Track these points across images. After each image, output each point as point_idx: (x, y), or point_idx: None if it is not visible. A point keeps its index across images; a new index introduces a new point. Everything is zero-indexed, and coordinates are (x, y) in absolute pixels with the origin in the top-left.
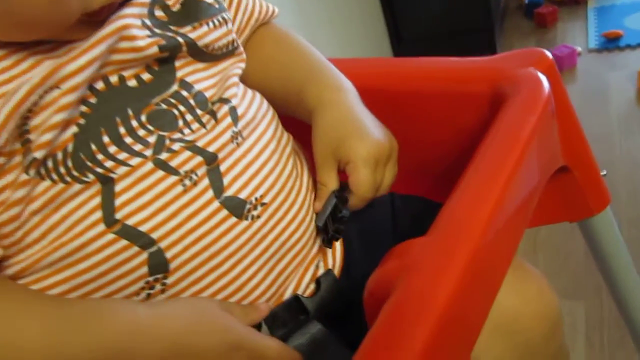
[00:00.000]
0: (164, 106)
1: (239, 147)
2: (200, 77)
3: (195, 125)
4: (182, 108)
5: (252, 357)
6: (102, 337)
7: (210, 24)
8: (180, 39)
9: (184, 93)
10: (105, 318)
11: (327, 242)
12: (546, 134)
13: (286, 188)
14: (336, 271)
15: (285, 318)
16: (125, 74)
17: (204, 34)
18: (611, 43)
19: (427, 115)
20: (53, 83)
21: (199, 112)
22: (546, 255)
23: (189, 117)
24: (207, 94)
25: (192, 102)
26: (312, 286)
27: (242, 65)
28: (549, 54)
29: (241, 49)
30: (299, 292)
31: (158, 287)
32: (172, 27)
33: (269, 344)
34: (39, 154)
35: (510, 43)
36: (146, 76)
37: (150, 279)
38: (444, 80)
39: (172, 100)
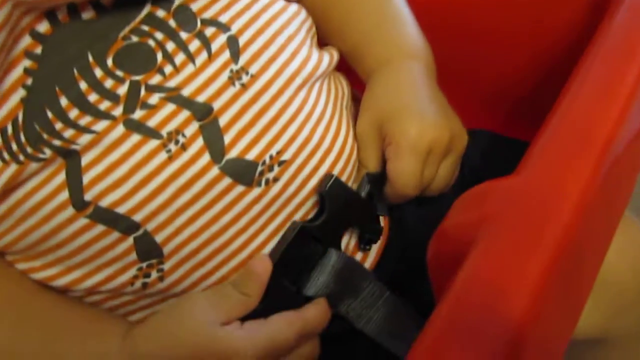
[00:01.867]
0: (134, 39)
1: (246, 91)
2: None
3: (179, 58)
4: (158, 35)
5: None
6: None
7: None
8: None
9: (160, 13)
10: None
11: (362, 245)
12: None
13: (315, 136)
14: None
15: (296, 255)
16: (76, 3)
17: None
18: None
19: (498, 28)
20: None
21: (183, 35)
22: None
23: (170, 45)
24: (194, 7)
25: (172, 23)
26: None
27: None
28: None
29: None
30: None
31: (154, 274)
32: None
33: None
34: None
35: None
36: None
37: (143, 265)
38: None
39: (145, 28)
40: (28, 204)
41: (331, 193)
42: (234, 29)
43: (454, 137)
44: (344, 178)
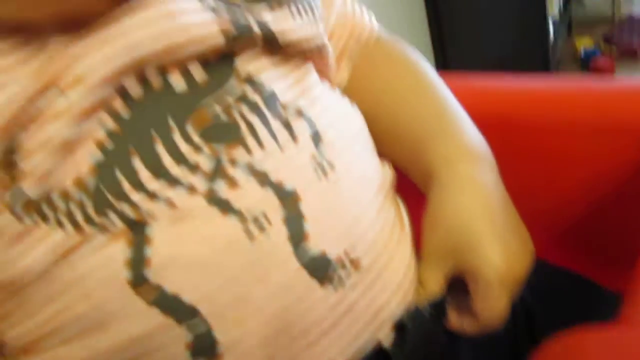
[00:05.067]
0: (218, 109)
1: (327, 180)
2: (273, 76)
3: (268, 142)
4: (248, 115)
5: None
6: None
7: (294, 9)
8: (255, 27)
9: (250, 95)
10: None
11: None
12: None
13: (390, 245)
14: None
15: None
16: (170, 72)
17: (283, 19)
18: None
19: (560, 152)
20: (61, 85)
21: (271, 120)
22: None
23: (258, 127)
24: (282, 99)
25: (262, 107)
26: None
27: (328, 78)
28: None
29: (330, 53)
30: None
31: None
32: (239, 5)
33: None
34: (34, 191)
35: None
36: (199, 74)
37: None
38: (592, 107)
39: (235, 106)
40: (79, 281)
41: (414, 324)
42: (318, 124)
43: (527, 264)
44: (405, 297)
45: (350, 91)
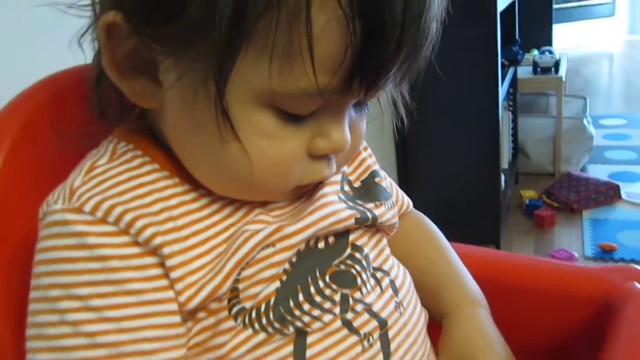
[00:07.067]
0: (342, 267)
1: (402, 317)
2: (365, 242)
3: (369, 285)
4: (357, 268)
5: None
6: None
7: (387, 205)
8: (369, 214)
9: (357, 255)
10: None
11: None
12: None
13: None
14: None
15: None
16: (320, 240)
17: (383, 213)
18: (606, 254)
19: (533, 314)
20: (270, 242)
21: (370, 271)
22: None
23: (364, 276)
24: (371, 257)
25: (364, 262)
26: None
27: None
28: None
29: (396, 228)
30: None
31: None
32: (359, 202)
33: None
34: (248, 304)
35: (510, 238)
36: (330, 240)
37: None
38: (557, 281)
39: (349, 262)
40: None
41: None
42: (393, 274)
43: None
44: None
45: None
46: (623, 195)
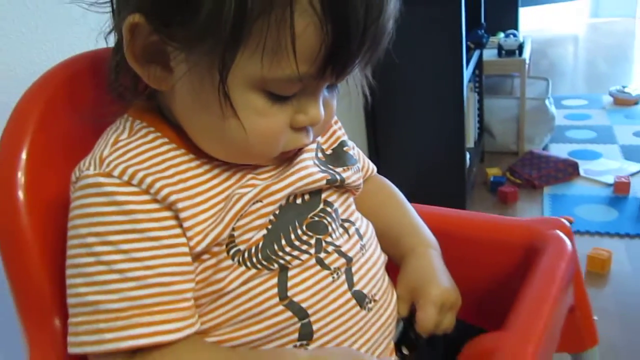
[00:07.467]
0: (316, 218)
1: (363, 256)
2: (335, 199)
3: (339, 232)
4: (329, 219)
5: None
6: None
7: (353, 169)
8: (338, 177)
9: (328, 209)
10: (292, 355)
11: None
12: (569, 277)
13: (387, 293)
14: None
15: None
16: (297, 197)
17: (349, 175)
18: None
19: (476, 256)
20: (258, 198)
21: (339, 222)
22: None
23: (334, 225)
24: (340, 211)
25: (334, 215)
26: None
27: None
28: (567, 223)
29: (361, 189)
30: None
31: (300, 347)
32: (330, 167)
33: None
34: (242, 247)
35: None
36: (306, 197)
37: (297, 344)
38: (494, 231)
39: (322, 214)
40: (249, 294)
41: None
42: (357, 224)
43: (458, 299)
44: (395, 316)
45: (358, 205)
46: (581, 172)
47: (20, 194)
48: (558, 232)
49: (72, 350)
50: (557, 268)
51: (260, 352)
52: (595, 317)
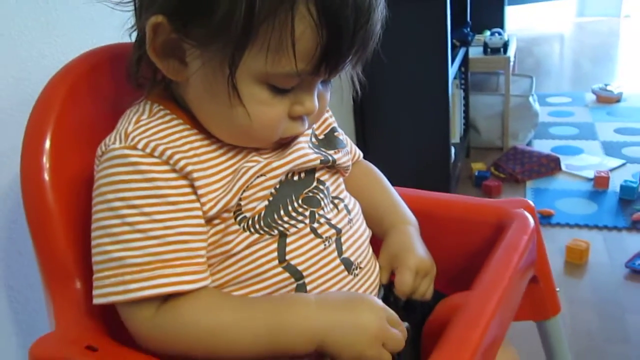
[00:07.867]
0: (310, 194)
1: (351, 229)
2: (327, 178)
3: (330, 207)
4: (321, 195)
5: (391, 338)
6: (304, 309)
7: (343, 152)
8: (330, 158)
9: (321, 186)
10: (302, 299)
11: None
12: (531, 249)
13: (371, 262)
14: None
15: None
16: (295, 174)
17: (340, 157)
18: (544, 219)
19: (451, 233)
20: (262, 172)
21: (330, 198)
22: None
23: (326, 200)
24: (331, 189)
25: (325, 192)
26: None
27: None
28: (532, 203)
29: (349, 170)
30: None
31: None
32: (323, 149)
33: (403, 327)
34: (247, 215)
35: None
36: (302, 175)
37: None
38: (467, 211)
39: (315, 190)
40: (253, 256)
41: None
42: (346, 201)
43: (432, 267)
44: (377, 283)
45: (346, 186)
46: (563, 167)
47: (46, 175)
48: (522, 210)
49: (97, 300)
50: (519, 240)
51: (271, 297)
52: (557, 289)
